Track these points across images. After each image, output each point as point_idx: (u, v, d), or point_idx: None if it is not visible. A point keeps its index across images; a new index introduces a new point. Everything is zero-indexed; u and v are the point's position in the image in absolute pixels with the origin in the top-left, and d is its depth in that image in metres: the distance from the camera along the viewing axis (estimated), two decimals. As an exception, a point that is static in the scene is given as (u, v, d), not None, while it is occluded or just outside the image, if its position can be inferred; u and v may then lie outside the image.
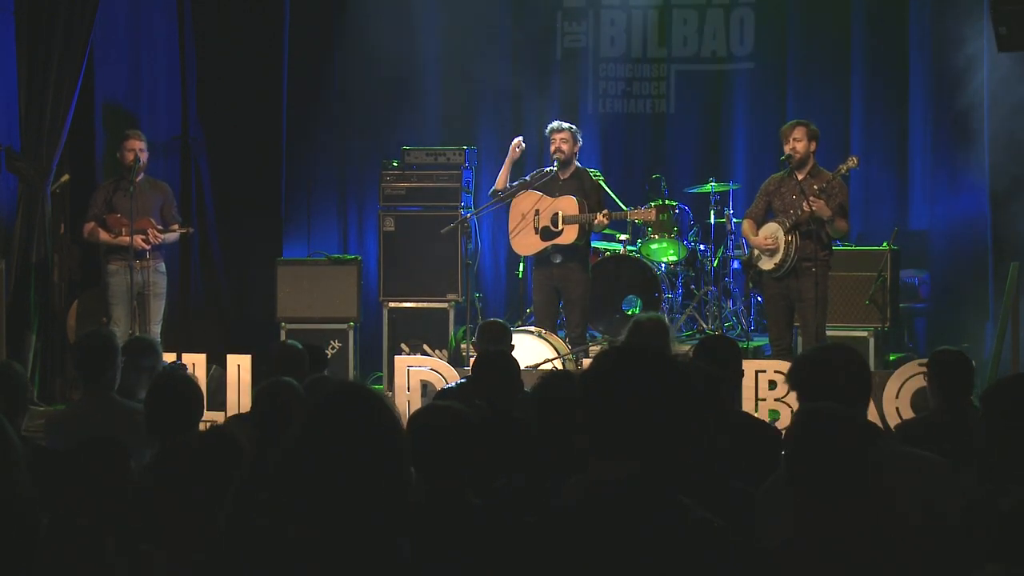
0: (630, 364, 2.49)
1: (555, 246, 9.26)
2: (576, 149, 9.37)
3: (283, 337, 10.11)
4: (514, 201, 9.46)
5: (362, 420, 2.76)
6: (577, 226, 9.21)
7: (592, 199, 9.31)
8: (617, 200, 10.45)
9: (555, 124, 9.49)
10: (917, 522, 3.49)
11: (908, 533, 3.43)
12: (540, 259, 9.37)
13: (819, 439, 3.34)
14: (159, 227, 9.51)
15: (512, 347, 7.06)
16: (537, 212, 9.31)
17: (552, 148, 9.32)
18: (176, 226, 9.65)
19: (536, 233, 9.32)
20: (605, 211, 9.23)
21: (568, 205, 9.24)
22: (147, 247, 9.41)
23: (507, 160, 9.60)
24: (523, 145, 9.62)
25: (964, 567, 3.28)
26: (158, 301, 9.53)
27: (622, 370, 2.48)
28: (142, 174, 9.60)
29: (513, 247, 9.53)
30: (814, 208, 8.63)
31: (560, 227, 9.23)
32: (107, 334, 6.29)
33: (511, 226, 9.47)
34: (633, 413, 2.44)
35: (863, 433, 3.45)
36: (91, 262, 10.20)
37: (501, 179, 9.59)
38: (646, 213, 9.50)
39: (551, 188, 9.35)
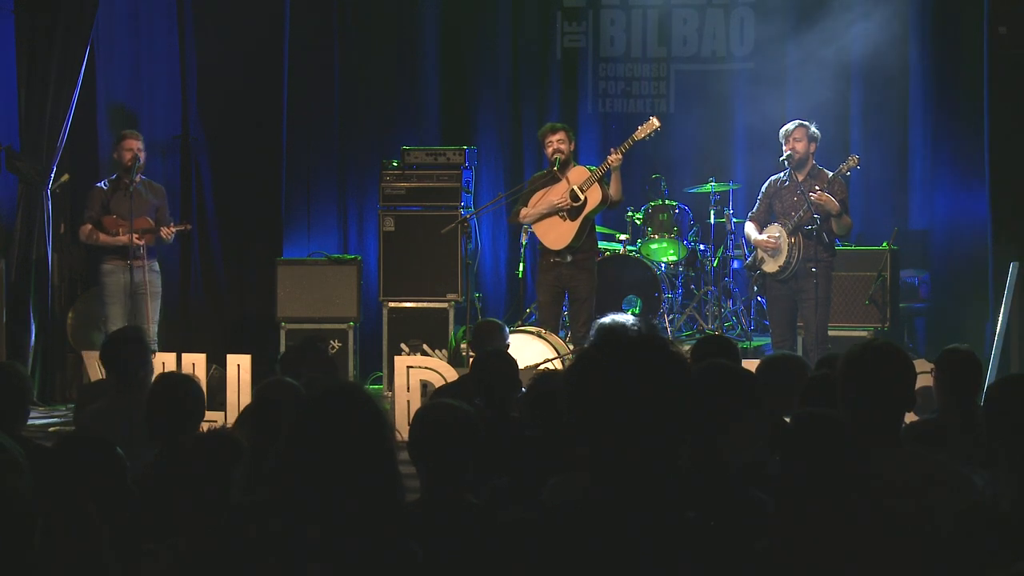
0: (615, 353, 2.45)
1: (568, 247, 9.16)
2: (573, 148, 9.32)
3: (283, 337, 10.13)
4: (525, 211, 9.31)
5: (350, 418, 2.78)
6: (597, 186, 9.06)
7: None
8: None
9: (548, 126, 9.37)
10: (918, 524, 3.49)
11: (908, 535, 3.43)
12: (545, 262, 9.30)
13: (805, 444, 3.36)
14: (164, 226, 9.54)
15: (507, 345, 7.06)
16: (553, 201, 9.19)
17: (550, 151, 9.19)
18: (172, 226, 9.64)
19: (564, 220, 9.20)
20: (612, 149, 9.11)
21: (578, 175, 9.14)
22: (141, 243, 9.41)
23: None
24: None
25: (964, 570, 3.28)
26: (155, 300, 9.54)
27: (605, 361, 2.45)
28: (140, 175, 9.60)
29: (549, 246, 9.24)
30: (821, 201, 8.66)
31: (582, 196, 9.11)
32: (137, 331, 6.34)
33: (537, 232, 9.31)
34: (619, 404, 2.41)
35: (844, 437, 3.47)
36: (91, 262, 10.21)
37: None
38: (649, 126, 9.21)
39: (555, 183, 9.26)
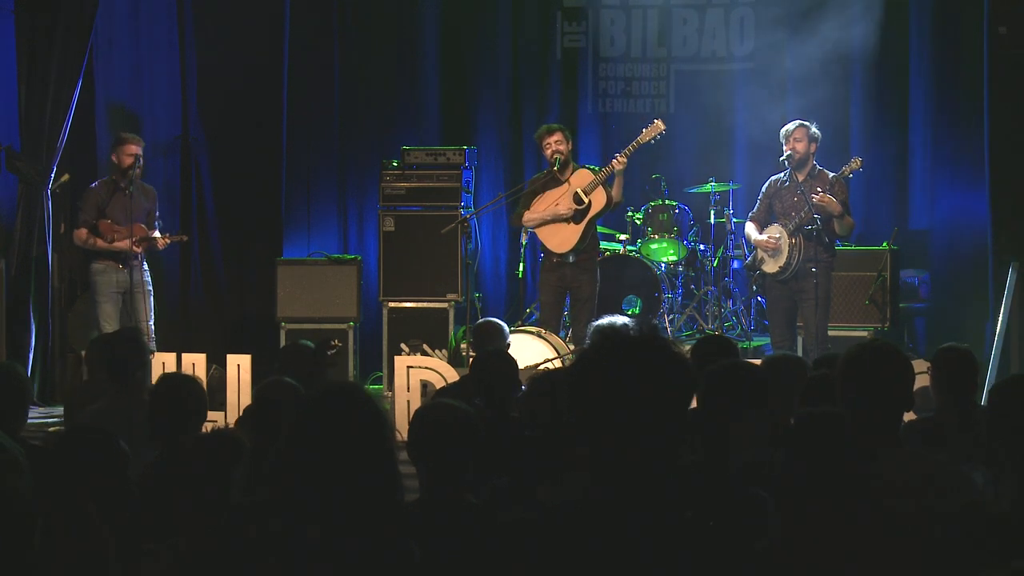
0: (616, 353, 2.45)
1: (572, 250, 9.15)
2: (571, 147, 9.30)
3: (283, 337, 10.13)
4: (528, 215, 9.30)
5: (350, 418, 2.78)
6: (601, 189, 9.06)
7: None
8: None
9: (544, 127, 9.31)
10: (918, 524, 3.49)
11: (908, 535, 3.43)
12: (548, 261, 9.28)
13: (809, 442, 3.37)
14: (157, 235, 9.52)
15: (507, 345, 7.06)
16: (557, 206, 9.17)
17: (548, 152, 9.15)
18: (168, 236, 9.61)
19: (569, 223, 9.19)
20: (616, 154, 9.09)
21: (581, 177, 9.12)
22: (139, 251, 9.40)
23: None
24: None
25: (963, 569, 3.28)
26: (150, 299, 9.54)
27: (605, 361, 2.45)
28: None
29: (554, 250, 9.22)
30: (823, 203, 8.66)
31: (586, 200, 9.10)
32: (134, 332, 6.33)
33: (541, 235, 9.29)
34: (619, 404, 2.41)
35: (845, 437, 3.47)
36: (84, 262, 10.19)
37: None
38: (653, 129, 9.21)
39: (557, 185, 9.24)
